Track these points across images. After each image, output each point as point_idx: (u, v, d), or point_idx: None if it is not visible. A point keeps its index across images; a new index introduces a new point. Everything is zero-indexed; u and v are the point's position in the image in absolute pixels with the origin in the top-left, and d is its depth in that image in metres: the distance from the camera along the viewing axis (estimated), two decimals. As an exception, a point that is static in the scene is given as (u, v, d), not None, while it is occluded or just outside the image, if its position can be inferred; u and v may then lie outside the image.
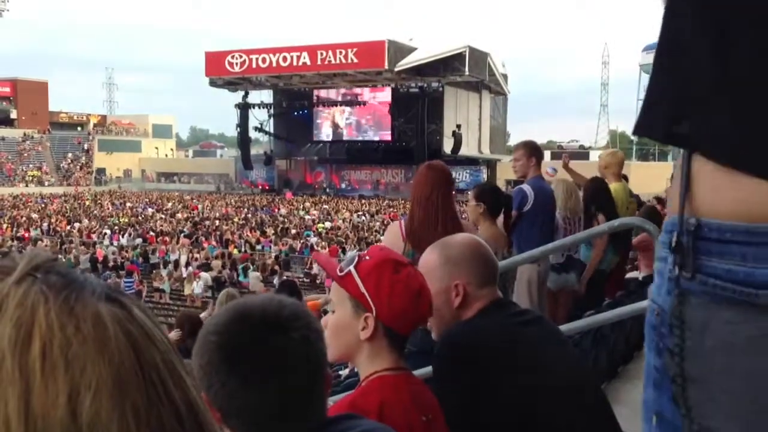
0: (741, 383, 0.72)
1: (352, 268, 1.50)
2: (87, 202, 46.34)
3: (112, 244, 27.58)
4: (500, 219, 4.40)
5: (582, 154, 51.61)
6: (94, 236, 29.57)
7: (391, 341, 1.50)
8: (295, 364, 1.10)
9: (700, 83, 0.77)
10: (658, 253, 0.83)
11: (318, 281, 21.45)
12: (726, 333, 0.72)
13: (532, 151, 4.98)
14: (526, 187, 4.81)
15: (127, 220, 34.89)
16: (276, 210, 40.82)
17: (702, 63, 0.76)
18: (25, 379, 0.41)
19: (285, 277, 18.39)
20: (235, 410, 1.08)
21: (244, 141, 52.55)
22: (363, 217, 35.72)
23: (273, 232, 29.77)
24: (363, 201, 46.27)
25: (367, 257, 1.53)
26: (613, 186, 5.94)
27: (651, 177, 30.75)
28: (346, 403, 1.44)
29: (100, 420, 0.42)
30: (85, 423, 0.41)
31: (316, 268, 22.87)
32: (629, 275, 6.77)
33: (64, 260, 21.51)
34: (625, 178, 6.52)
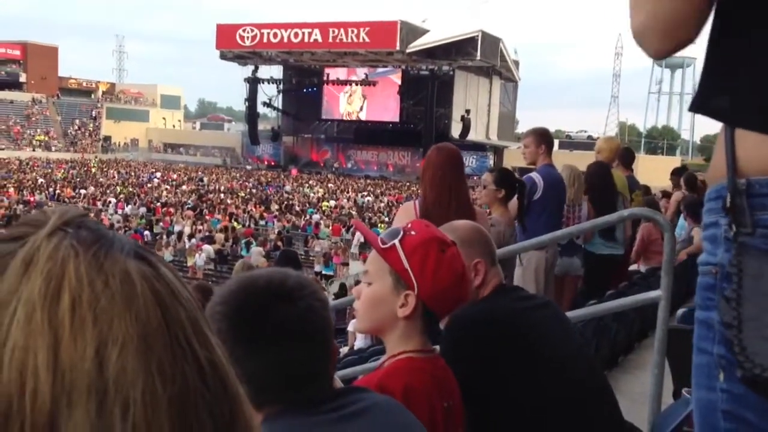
0: None
1: (396, 241, 1.45)
2: (93, 170, 46.38)
3: (116, 212, 27.68)
4: (513, 202, 4.45)
5: (590, 144, 51.32)
6: (98, 204, 29.67)
7: (425, 322, 1.46)
8: (300, 333, 1.10)
9: (741, 65, 0.86)
10: (706, 221, 0.92)
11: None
12: None
13: (541, 138, 4.95)
14: (535, 175, 4.77)
15: (131, 189, 34.92)
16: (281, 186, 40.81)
17: (742, 47, 0.86)
18: (54, 332, 0.42)
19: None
20: (243, 378, 1.10)
21: (252, 116, 52.42)
22: (368, 198, 35.73)
23: (277, 208, 29.83)
24: (368, 181, 46.25)
25: (413, 232, 1.47)
26: None
27: (659, 170, 30.57)
28: (372, 381, 1.41)
29: (125, 375, 0.42)
30: (111, 377, 0.42)
31: (317, 247, 22.94)
32: (632, 267, 6.78)
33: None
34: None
